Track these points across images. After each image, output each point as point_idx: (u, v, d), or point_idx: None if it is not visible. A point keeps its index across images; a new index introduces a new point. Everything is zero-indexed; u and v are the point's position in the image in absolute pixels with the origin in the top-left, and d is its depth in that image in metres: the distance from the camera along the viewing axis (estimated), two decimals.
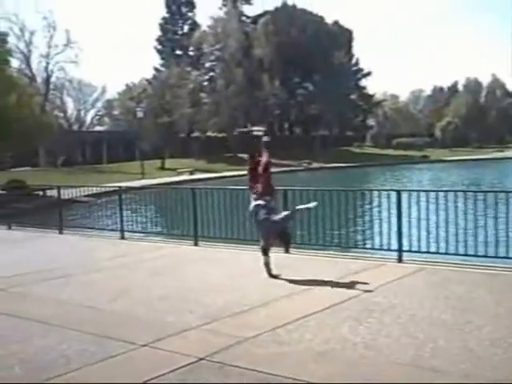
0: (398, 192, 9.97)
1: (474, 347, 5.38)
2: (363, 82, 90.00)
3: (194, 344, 5.77)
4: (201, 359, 5.31)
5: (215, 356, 5.37)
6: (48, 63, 67.80)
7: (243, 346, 5.66)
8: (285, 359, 5.28)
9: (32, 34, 66.77)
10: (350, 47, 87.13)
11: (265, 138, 8.82)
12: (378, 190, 12.18)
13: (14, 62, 56.99)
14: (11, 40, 59.46)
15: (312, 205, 9.15)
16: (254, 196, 8.74)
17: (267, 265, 8.58)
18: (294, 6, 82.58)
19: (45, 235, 14.77)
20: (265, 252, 8.62)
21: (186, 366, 5.15)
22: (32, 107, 39.94)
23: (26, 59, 67.89)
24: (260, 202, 8.60)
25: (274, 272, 8.54)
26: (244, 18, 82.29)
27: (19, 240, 14.31)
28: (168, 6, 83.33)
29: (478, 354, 5.20)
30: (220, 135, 74.94)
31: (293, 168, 61.19)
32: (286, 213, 9.02)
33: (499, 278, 8.25)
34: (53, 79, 70.62)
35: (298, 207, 9.21)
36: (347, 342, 5.67)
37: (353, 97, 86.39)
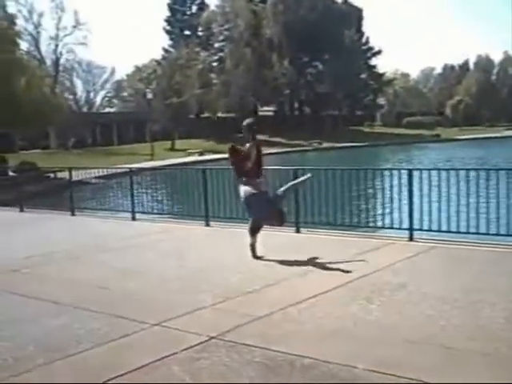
0: (410, 171, 9.91)
1: (486, 324, 5.36)
2: (373, 61, 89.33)
3: (205, 323, 5.79)
4: (212, 338, 5.33)
5: (227, 335, 5.39)
6: (57, 45, 67.96)
7: (255, 325, 5.67)
8: (296, 338, 5.29)
9: (40, 16, 66.92)
10: (359, 25, 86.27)
11: (248, 121, 8.38)
12: (389, 169, 12.14)
13: (23, 45, 57.13)
14: (20, 22, 59.47)
15: (305, 177, 9.10)
16: (248, 182, 8.56)
17: (254, 245, 8.53)
18: None
19: (56, 217, 14.84)
20: (254, 233, 8.57)
21: (198, 345, 5.17)
22: (42, 89, 39.99)
23: (35, 41, 68.01)
24: (261, 187, 8.50)
25: (259, 253, 8.52)
26: None
27: (31, 222, 14.38)
28: None
29: (491, 331, 5.18)
30: (230, 115, 74.77)
31: (303, 148, 61.14)
32: (283, 188, 8.90)
33: (511, 257, 8.21)
34: (62, 61, 70.86)
35: (293, 182, 9.16)
36: (359, 320, 5.67)
37: (363, 76, 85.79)
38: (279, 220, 8.77)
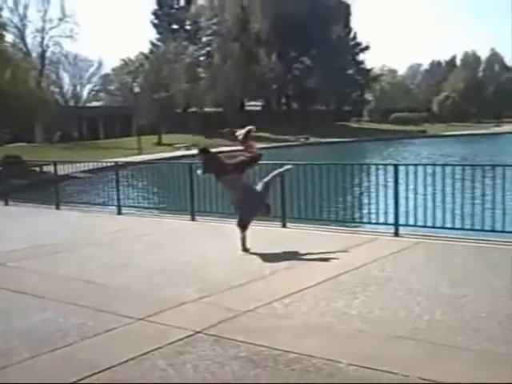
0: (396, 166, 9.96)
1: (470, 319, 5.41)
2: (361, 57, 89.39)
3: (190, 317, 5.80)
4: (197, 332, 5.33)
5: (212, 329, 5.40)
6: (43, 38, 67.28)
7: (240, 319, 5.69)
8: (281, 332, 5.31)
9: (26, 8, 66.18)
10: (347, 21, 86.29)
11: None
12: (376, 164, 12.19)
13: (8, 37, 56.58)
14: (5, 14, 58.88)
15: (285, 168, 9.42)
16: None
17: (244, 239, 8.62)
18: None
19: (42, 211, 14.76)
20: (245, 227, 8.66)
21: (183, 339, 5.18)
22: (27, 82, 39.68)
23: (21, 34, 67.34)
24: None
25: (248, 246, 8.62)
26: None
27: (16, 215, 14.29)
28: None
29: (475, 326, 5.23)
30: (217, 110, 74.61)
31: (290, 143, 61.13)
32: (265, 180, 9.03)
33: (495, 252, 8.27)
34: (48, 54, 70.12)
35: (273, 173, 9.24)
36: (343, 315, 5.69)
37: (350, 71, 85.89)
38: (267, 212, 9.09)
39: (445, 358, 4.63)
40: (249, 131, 8.94)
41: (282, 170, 9.48)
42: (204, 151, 9.06)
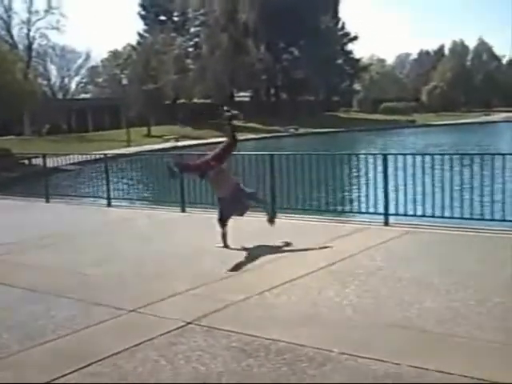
0: (384, 156, 9.98)
1: (459, 307, 5.44)
2: (349, 47, 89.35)
3: (181, 308, 5.81)
4: (189, 323, 5.34)
5: (203, 320, 5.41)
6: (29, 30, 66.63)
7: (231, 310, 5.70)
8: (272, 322, 5.32)
9: None
10: (336, 11, 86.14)
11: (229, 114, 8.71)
12: (365, 154, 12.21)
13: None
14: None
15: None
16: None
17: (225, 236, 8.49)
18: None
19: (31, 204, 14.70)
20: (225, 223, 8.56)
21: (175, 331, 5.19)
22: (14, 74, 39.39)
23: (7, 26, 66.69)
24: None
25: (235, 238, 8.49)
26: None
27: (5, 209, 14.22)
28: None
29: (464, 314, 5.26)
30: (206, 101, 74.39)
31: (279, 134, 61.07)
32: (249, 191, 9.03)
33: (484, 240, 8.31)
34: (35, 46, 69.43)
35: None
36: (334, 304, 5.72)
37: (339, 61, 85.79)
38: (243, 213, 8.97)
39: (435, 346, 4.66)
40: (235, 115, 8.83)
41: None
42: (182, 168, 8.87)
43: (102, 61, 79.91)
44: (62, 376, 4.41)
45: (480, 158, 9.61)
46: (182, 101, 71.75)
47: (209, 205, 11.77)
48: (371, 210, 10.26)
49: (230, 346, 4.81)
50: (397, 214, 9.81)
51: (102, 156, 15.64)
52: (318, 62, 74.69)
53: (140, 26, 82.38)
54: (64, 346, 5.03)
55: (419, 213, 9.66)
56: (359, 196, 12.74)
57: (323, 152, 12.03)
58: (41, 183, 15.65)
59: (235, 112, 8.96)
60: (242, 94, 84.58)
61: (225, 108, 8.94)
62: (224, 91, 73.43)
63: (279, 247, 8.21)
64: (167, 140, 52.42)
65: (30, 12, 65.58)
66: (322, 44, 75.63)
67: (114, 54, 69.46)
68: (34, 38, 67.45)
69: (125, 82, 56.26)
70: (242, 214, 8.94)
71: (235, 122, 8.97)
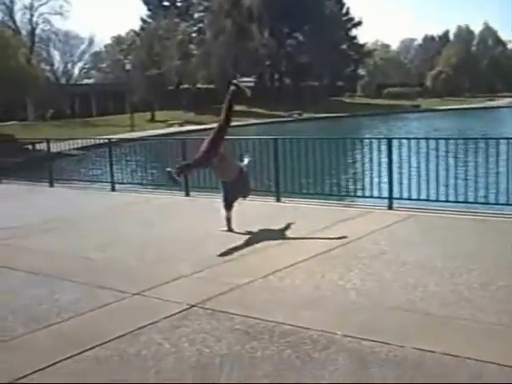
0: (389, 140, 9.94)
1: (463, 291, 5.43)
2: (353, 32, 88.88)
3: (185, 292, 5.81)
4: (193, 306, 5.34)
5: (207, 303, 5.41)
6: (32, 15, 66.54)
7: (235, 293, 5.70)
8: (276, 305, 5.33)
9: None
10: None
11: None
12: (369, 139, 12.16)
13: None
14: None
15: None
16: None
17: (230, 220, 8.45)
18: None
19: (35, 189, 14.71)
20: (231, 207, 8.52)
21: (179, 313, 5.19)
22: (17, 59, 39.32)
23: (9, 11, 66.58)
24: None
25: (240, 222, 8.46)
26: None
27: (10, 194, 14.24)
28: None
29: (468, 297, 5.26)
30: (209, 87, 74.17)
31: (283, 119, 60.92)
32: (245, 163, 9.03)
33: (488, 224, 8.31)
34: (38, 31, 69.39)
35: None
36: (338, 287, 5.71)
37: (343, 47, 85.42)
38: (246, 195, 8.98)
39: (439, 329, 4.66)
40: (236, 93, 8.47)
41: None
42: (184, 171, 8.68)
43: (105, 46, 79.71)
44: (67, 358, 4.42)
45: (485, 143, 9.57)
46: (185, 86, 71.55)
47: (213, 189, 11.77)
48: (375, 193, 10.24)
49: (234, 329, 4.81)
50: (401, 198, 9.78)
51: (105, 141, 15.63)
52: (323, 47, 74.34)
53: (143, 11, 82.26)
54: (68, 329, 5.04)
55: (423, 197, 9.63)
56: (363, 180, 12.70)
57: (326, 136, 11.96)
58: (45, 168, 15.65)
59: (244, 84, 8.72)
60: (245, 79, 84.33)
61: (233, 81, 8.81)
62: (227, 76, 73.15)
63: (283, 231, 8.21)
64: (171, 125, 52.39)
65: None
66: (326, 29, 75.25)
67: (118, 40, 69.32)
68: (37, 23, 67.47)
69: (128, 67, 56.22)
70: (245, 197, 8.94)
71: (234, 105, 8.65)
